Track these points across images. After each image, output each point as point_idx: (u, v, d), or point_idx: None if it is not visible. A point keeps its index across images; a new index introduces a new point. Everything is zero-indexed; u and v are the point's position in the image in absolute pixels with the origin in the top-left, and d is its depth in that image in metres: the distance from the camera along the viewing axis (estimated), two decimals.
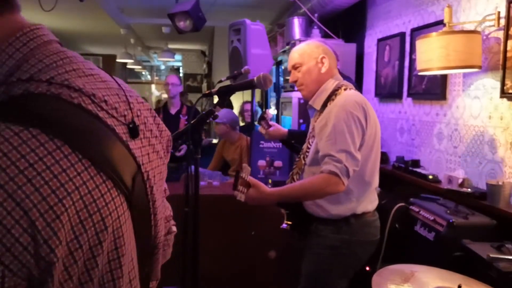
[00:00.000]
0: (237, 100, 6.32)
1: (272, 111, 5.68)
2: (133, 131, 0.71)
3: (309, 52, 1.93)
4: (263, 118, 2.35)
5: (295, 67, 1.97)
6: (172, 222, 0.95)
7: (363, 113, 1.77)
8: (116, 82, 0.75)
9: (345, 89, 1.86)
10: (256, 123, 4.72)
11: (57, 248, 0.55)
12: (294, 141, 2.45)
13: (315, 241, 1.90)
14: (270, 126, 2.33)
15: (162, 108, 4.17)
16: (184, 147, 3.64)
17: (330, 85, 1.90)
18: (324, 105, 1.87)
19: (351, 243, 1.85)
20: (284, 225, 1.98)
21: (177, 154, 3.66)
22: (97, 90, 0.68)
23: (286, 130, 2.37)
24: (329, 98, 1.86)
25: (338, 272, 1.89)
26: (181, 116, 4.02)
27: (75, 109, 0.63)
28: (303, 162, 1.93)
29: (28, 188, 0.54)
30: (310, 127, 1.98)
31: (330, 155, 1.71)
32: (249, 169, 1.79)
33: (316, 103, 1.92)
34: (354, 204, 1.84)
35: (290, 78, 2.01)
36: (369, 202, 1.90)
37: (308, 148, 1.91)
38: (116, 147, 0.67)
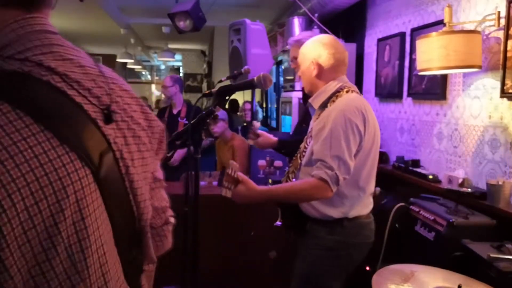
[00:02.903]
0: (241, 101, 6.32)
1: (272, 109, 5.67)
2: (108, 117, 0.73)
3: (305, 52, 1.91)
4: (250, 131, 2.34)
5: (298, 64, 1.97)
6: (170, 213, 0.96)
7: (362, 119, 1.74)
8: (99, 69, 0.77)
9: (347, 91, 1.83)
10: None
11: (10, 209, 0.57)
12: (284, 150, 2.44)
13: (310, 241, 1.89)
14: (258, 136, 2.32)
15: (168, 108, 4.24)
16: (178, 153, 3.53)
17: (332, 86, 1.86)
18: (324, 105, 1.86)
19: (346, 244, 1.83)
20: (278, 223, 1.98)
21: (172, 162, 3.60)
22: (70, 72, 0.70)
23: (275, 139, 2.36)
24: (329, 99, 1.84)
25: (332, 274, 1.87)
26: (179, 119, 4.05)
27: (43, 85, 0.66)
28: (299, 161, 1.92)
29: None
30: (310, 127, 1.97)
31: (323, 160, 1.70)
32: (237, 165, 1.78)
33: (315, 102, 1.90)
34: (347, 208, 1.82)
35: (297, 71, 2.01)
36: (364, 207, 1.88)
37: (306, 148, 1.90)
38: (82, 122, 0.69)
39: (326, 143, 1.71)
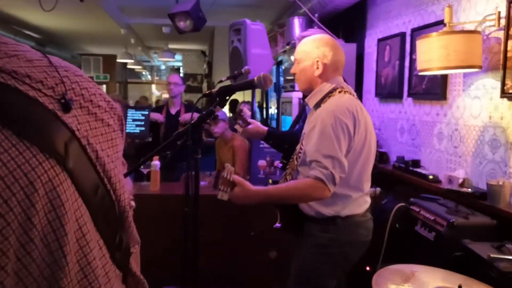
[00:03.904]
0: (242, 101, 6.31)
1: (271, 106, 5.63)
2: (65, 106, 0.73)
3: (309, 51, 1.91)
4: (239, 117, 2.31)
5: (296, 61, 1.97)
6: (131, 197, 0.97)
7: (352, 119, 1.76)
8: (49, 60, 0.77)
9: (339, 92, 1.84)
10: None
11: None
12: (272, 142, 2.43)
13: (305, 240, 1.90)
14: (248, 123, 2.30)
15: (165, 107, 4.18)
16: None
17: (327, 87, 1.88)
18: (318, 105, 1.87)
19: (339, 242, 1.84)
20: (277, 225, 1.98)
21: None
22: (19, 68, 0.70)
23: (265, 128, 2.34)
24: (323, 100, 1.86)
25: (327, 271, 1.88)
26: (179, 119, 4.00)
27: None
28: (295, 162, 1.92)
29: None
30: (305, 126, 1.98)
31: (316, 160, 1.71)
32: (232, 168, 1.79)
33: (311, 101, 1.91)
34: (339, 207, 1.83)
35: (292, 69, 2.01)
36: (357, 206, 1.88)
37: (301, 149, 1.90)
38: (40, 116, 0.69)
39: (318, 143, 1.73)
